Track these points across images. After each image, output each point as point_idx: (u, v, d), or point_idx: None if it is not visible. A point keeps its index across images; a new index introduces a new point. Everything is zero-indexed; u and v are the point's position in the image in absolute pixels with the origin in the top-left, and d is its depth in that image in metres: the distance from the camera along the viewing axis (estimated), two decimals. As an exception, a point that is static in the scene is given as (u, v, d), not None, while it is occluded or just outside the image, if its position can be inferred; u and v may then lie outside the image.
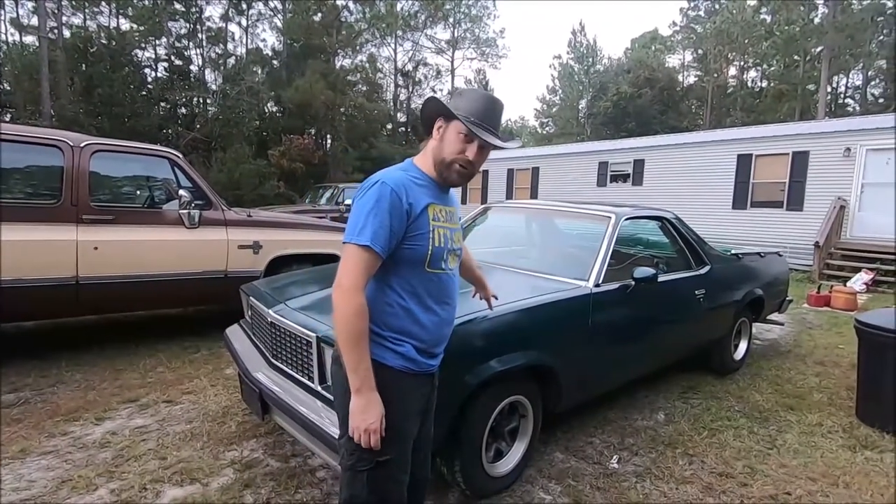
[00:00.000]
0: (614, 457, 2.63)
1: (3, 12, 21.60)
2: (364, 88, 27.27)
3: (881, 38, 26.88)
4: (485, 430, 2.14)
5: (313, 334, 1.99)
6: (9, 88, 20.30)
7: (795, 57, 30.30)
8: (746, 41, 32.16)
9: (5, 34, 22.14)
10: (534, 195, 15.58)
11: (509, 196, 16.38)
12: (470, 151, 1.34)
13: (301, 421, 1.91)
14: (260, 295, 2.55)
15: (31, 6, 21.13)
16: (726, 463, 2.61)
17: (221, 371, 3.59)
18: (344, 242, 1.26)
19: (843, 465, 2.63)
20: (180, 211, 3.91)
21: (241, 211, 4.52)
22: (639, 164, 13.28)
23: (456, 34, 33.74)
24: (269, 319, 2.29)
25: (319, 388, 1.99)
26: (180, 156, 4.13)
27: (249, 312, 2.76)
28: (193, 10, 23.35)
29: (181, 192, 3.90)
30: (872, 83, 30.51)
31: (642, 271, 2.72)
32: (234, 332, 2.85)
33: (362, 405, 1.24)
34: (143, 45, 23.18)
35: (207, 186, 4.19)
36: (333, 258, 4.66)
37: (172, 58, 23.19)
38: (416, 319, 1.34)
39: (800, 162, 10.41)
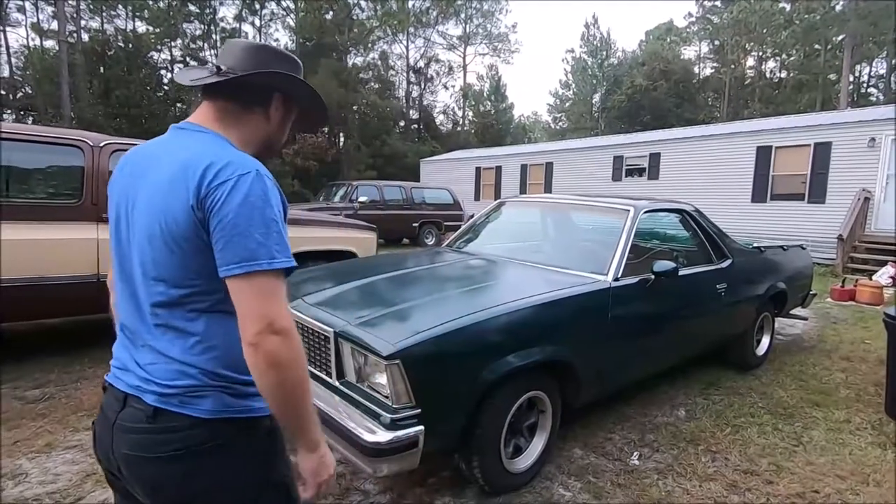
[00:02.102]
0: (635, 453, 2.59)
1: (24, 17, 22.07)
2: (376, 86, 27.36)
3: (906, 24, 26.06)
4: (503, 426, 2.11)
5: (331, 329, 1.99)
6: (31, 92, 20.78)
7: (816, 46, 29.58)
8: (765, 31, 31.48)
9: (26, 39, 22.63)
10: (547, 190, 15.46)
11: (522, 192, 16.28)
12: None
13: (320, 416, 1.90)
14: (277, 291, 2.55)
15: (50, 11, 21.57)
16: (751, 460, 2.55)
17: (239, 367, 3.62)
18: (252, 271, 0.82)
19: (873, 463, 2.56)
20: (197, 209, 3.95)
21: (257, 208, 4.55)
22: (654, 158, 13.09)
23: (468, 30, 33.65)
24: (286, 315, 2.29)
25: (337, 384, 1.99)
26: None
27: (266, 308, 2.76)
28: (207, 11, 23.64)
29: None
30: (897, 71, 29.65)
31: (662, 265, 2.67)
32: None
33: (322, 454, 0.94)
34: (158, 46, 23.55)
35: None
36: (348, 254, 4.67)
37: (188, 59, 23.52)
38: None
39: (822, 153, 10.16)
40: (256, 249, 0.83)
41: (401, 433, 1.73)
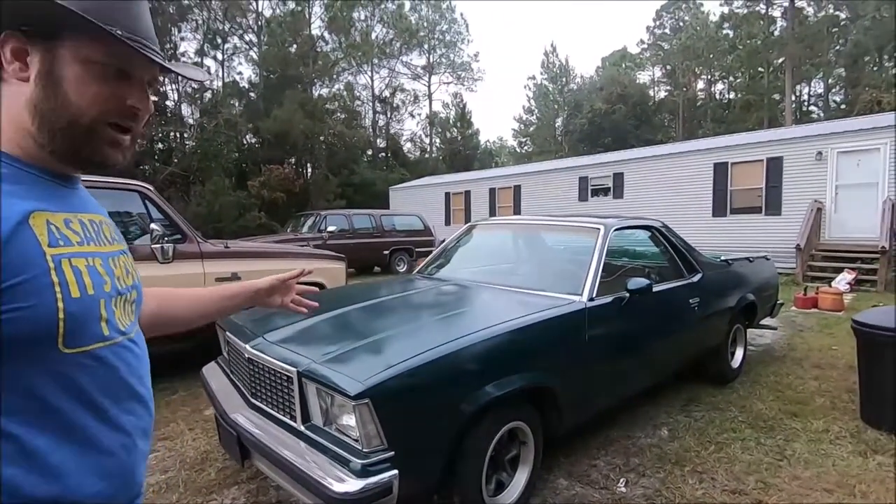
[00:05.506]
0: (621, 480, 2.49)
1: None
2: (342, 116, 27.41)
3: (838, 47, 28.11)
4: (484, 461, 1.99)
5: (294, 369, 1.84)
6: None
7: (759, 68, 31.48)
8: (711, 55, 33.41)
9: None
10: (517, 213, 15.62)
11: (492, 215, 16.39)
12: (133, 93, 0.72)
13: (283, 466, 1.74)
14: (236, 329, 2.39)
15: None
16: (737, 479, 2.49)
17: (200, 412, 3.38)
18: None
19: (857, 473, 2.53)
20: (152, 245, 3.73)
21: (218, 242, 4.35)
22: (618, 178, 13.44)
23: (431, 60, 34.35)
24: (246, 355, 2.13)
25: (302, 428, 1.83)
26: (151, 188, 3.97)
27: (227, 348, 2.59)
28: (168, 46, 23.35)
29: (152, 225, 3.73)
30: (833, 90, 31.74)
31: (636, 282, 2.64)
32: (212, 371, 2.67)
33: None
34: (117, 82, 23.00)
35: (181, 219, 4.03)
36: (315, 286, 4.50)
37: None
38: (65, 468, 0.63)
39: (774, 167, 10.63)
40: None
41: (372, 480, 1.58)
